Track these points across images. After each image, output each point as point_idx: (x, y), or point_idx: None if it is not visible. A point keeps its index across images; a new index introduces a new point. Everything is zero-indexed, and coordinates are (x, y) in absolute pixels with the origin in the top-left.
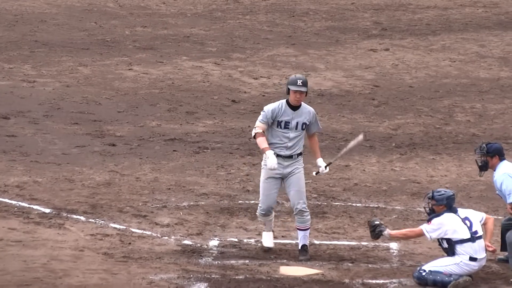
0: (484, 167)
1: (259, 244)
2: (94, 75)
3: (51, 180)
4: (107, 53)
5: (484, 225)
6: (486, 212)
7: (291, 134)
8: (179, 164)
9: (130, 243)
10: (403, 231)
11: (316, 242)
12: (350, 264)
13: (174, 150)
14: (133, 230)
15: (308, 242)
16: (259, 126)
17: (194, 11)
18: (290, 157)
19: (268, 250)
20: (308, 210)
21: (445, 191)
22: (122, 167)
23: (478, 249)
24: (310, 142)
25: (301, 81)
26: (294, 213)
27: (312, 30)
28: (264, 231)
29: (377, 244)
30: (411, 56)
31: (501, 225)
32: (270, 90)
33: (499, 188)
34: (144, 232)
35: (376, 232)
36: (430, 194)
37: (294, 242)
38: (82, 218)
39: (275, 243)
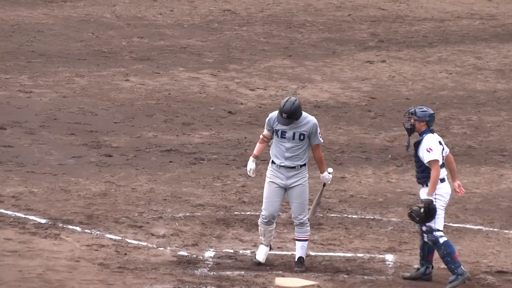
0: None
1: (253, 256)
2: (91, 86)
3: (47, 190)
4: (103, 64)
5: (447, 160)
6: (481, 224)
7: (288, 144)
8: (175, 175)
9: (125, 254)
10: (432, 182)
11: (312, 253)
12: (345, 276)
13: (170, 161)
14: (129, 240)
15: (305, 254)
16: (263, 133)
17: (191, 22)
18: (292, 168)
19: (258, 264)
20: (308, 222)
21: (427, 109)
22: (118, 177)
23: (445, 173)
24: (313, 156)
25: (286, 115)
26: (294, 224)
27: (309, 41)
28: (261, 243)
29: (372, 255)
30: (408, 68)
31: None
32: (266, 101)
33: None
34: (140, 242)
35: (423, 214)
36: (412, 109)
37: (290, 253)
38: (78, 228)
39: (271, 254)
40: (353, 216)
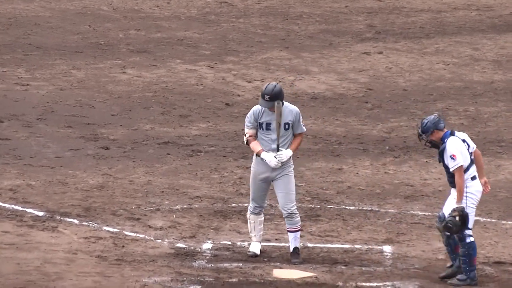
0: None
1: (247, 250)
2: (88, 78)
3: (44, 183)
4: (100, 56)
5: (474, 157)
6: (479, 215)
7: (273, 136)
8: (172, 167)
9: (123, 246)
10: (459, 187)
11: (310, 245)
12: (343, 267)
13: (167, 153)
14: (127, 233)
15: (299, 244)
16: (247, 132)
17: (188, 14)
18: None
19: (253, 256)
20: (297, 212)
21: (427, 118)
22: (116, 170)
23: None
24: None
25: (268, 96)
26: (284, 215)
27: (306, 33)
28: (252, 241)
29: (370, 247)
30: (405, 59)
31: None
32: None
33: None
34: (138, 235)
35: (459, 221)
36: (419, 131)
37: (287, 245)
38: (76, 221)
39: (269, 246)
40: (351, 208)
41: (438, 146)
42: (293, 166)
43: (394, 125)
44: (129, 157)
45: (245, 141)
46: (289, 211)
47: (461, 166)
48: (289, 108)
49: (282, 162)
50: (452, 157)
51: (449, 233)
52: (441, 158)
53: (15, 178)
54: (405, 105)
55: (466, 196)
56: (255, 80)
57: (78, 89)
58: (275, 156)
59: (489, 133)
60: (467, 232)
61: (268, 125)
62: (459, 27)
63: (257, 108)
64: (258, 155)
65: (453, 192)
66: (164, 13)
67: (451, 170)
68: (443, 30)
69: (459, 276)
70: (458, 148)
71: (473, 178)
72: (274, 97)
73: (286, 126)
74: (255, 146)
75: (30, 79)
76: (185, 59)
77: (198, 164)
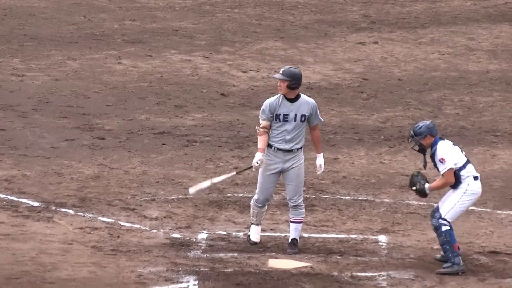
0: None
1: (247, 237)
2: (83, 69)
3: (40, 173)
4: (95, 47)
5: None
6: (474, 205)
7: (289, 127)
8: (168, 158)
9: (118, 236)
10: (439, 184)
11: (305, 235)
12: (338, 257)
13: (163, 144)
14: (122, 223)
15: (298, 236)
16: (262, 124)
17: (183, 4)
18: (289, 151)
19: (253, 244)
20: (303, 204)
21: (423, 122)
22: (111, 160)
23: (474, 168)
24: (311, 136)
25: (282, 69)
26: (289, 206)
27: (301, 23)
28: (253, 224)
29: (365, 237)
30: (400, 49)
31: None
32: (259, 83)
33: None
34: (133, 225)
35: (419, 190)
36: (411, 132)
37: (283, 235)
38: (71, 211)
39: (264, 236)
40: (346, 198)
41: (424, 152)
42: (303, 159)
43: (390, 115)
44: (125, 148)
45: (258, 132)
46: (296, 203)
47: (451, 169)
48: (306, 100)
49: (292, 156)
50: (441, 161)
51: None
52: (433, 162)
53: (11, 168)
54: (401, 95)
55: (464, 192)
56: (250, 70)
57: (73, 79)
58: (257, 162)
59: (485, 122)
60: (443, 221)
61: (285, 116)
62: (454, 17)
63: (274, 99)
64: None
65: (450, 192)
66: (159, 4)
67: (441, 173)
68: (438, 20)
69: (445, 265)
70: (449, 151)
71: (476, 178)
72: (286, 72)
73: (303, 118)
74: (259, 142)
75: (26, 69)
76: (180, 50)
77: (194, 154)
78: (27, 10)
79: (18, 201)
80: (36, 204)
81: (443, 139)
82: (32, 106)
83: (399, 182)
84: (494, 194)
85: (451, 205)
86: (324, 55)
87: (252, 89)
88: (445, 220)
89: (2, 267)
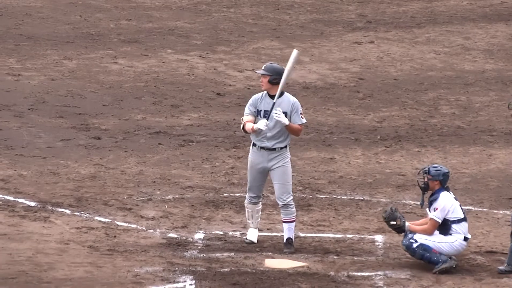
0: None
1: (244, 237)
2: (79, 69)
3: (36, 173)
4: (92, 47)
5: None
6: (471, 205)
7: (270, 124)
8: (164, 157)
9: (115, 236)
10: (421, 229)
11: (301, 234)
12: (335, 257)
13: (159, 143)
14: (118, 223)
15: (293, 235)
16: (245, 118)
17: (179, 4)
18: (273, 149)
19: (250, 243)
20: (293, 203)
21: (441, 167)
22: (107, 160)
23: (468, 229)
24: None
25: (264, 65)
26: (279, 205)
27: (297, 23)
28: (250, 227)
29: (362, 236)
30: (396, 48)
31: None
32: (255, 83)
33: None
34: (129, 225)
35: (400, 226)
36: (426, 169)
37: (279, 235)
38: (68, 211)
39: (260, 236)
40: (343, 197)
41: (425, 192)
42: (289, 157)
43: (386, 114)
44: (121, 147)
45: (242, 128)
46: (285, 202)
47: (437, 222)
48: (288, 98)
49: (276, 155)
50: (435, 209)
51: (383, 212)
52: (429, 205)
53: (7, 168)
54: (397, 94)
55: (449, 243)
56: (246, 70)
57: (69, 79)
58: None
59: (481, 122)
60: (411, 240)
61: (266, 112)
62: (450, 16)
63: (256, 96)
64: (252, 130)
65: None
66: (155, 3)
67: (429, 216)
68: (434, 20)
69: (437, 265)
70: (447, 205)
71: (466, 239)
72: (268, 68)
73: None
74: (248, 124)
75: (22, 69)
76: (176, 49)
77: (190, 154)
78: (23, 9)
79: (14, 201)
80: (32, 204)
81: (448, 191)
82: (28, 106)
83: (396, 182)
84: (491, 194)
85: (430, 238)
86: (320, 55)
87: (248, 88)
88: (414, 239)
89: None
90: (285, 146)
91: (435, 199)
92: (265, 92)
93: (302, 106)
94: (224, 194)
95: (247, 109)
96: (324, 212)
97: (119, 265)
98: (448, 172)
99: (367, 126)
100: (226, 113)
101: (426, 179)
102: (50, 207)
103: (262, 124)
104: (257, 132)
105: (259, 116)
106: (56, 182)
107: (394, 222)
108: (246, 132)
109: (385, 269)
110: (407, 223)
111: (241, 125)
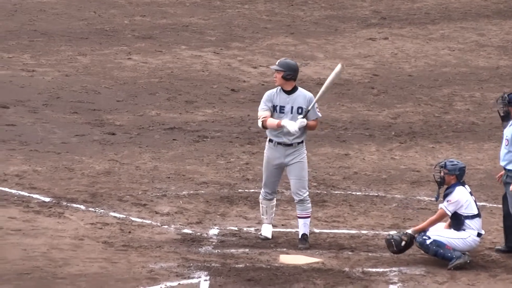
0: (506, 117)
1: (258, 233)
2: (93, 65)
3: (50, 169)
4: (106, 42)
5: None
6: (485, 201)
7: (286, 119)
8: (178, 153)
9: (130, 232)
10: (426, 222)
11: (316, 230)
12: (350, 253)
13: (173, 139)
14: (133, 219)
15: (308, 231)
16: (262, 114)
17: (193, 0)
18: (290, 145)
19: (264, 239)
20: (309, 198)
21: (458, 162)
22: (122, 156)
23: (481, 225)
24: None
25: (278, 61)
26: (295, 201)
27: (311, 19)
28: (264, 223)
29: (377, 232)
30: (410, 45)
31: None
32: (269, 79)
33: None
34: (144, 221)
35: (409, 240)
36: (443, 163)
37: (294, 230)
38: (82, 207)
39: (275, 232)
40: (357, 193)
41: (441, 186)
42: (305, 152)
43: (400, 110)
44: (135, 143)
45: (260, 124)
46: (302, 197)
47: (446, 213)
48: (303, 93)
49: (293, 150)
50: (448, 200)
51: (388, 247)
52: (443, 199)
53: (21, 164)
54: (411, 90)
55: (462, 238)
56: (260, 66)
57: (83, 75)
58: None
59: (495, 118)
60: (424, 237)
61: (281, 108)
62: (465, 12)
63: (270, 92)
64: (278, 126)
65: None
66: None
67: (439, 206)
68: (448, 16)
69: (450, 262)
70: (461, 200)
71: (479, 235)
72: (282, 63)
73: (299, 110)
74: (272, 121)
75: (36, 65)
76: (190, 45)
77: (204, 149)
78: (37, 5)
79: (29, 196)
80: (47, 199)
81: (464, 185)
82: (42, 101)
83: (410, 178)
84: None
85: (443, 234)
86: (334, 51)
87: (263, 84)
88: (427, 236)
89: (13, 263)
90: (302, 141)
91: (450, 193)
92: (279, 87)
93: (316, 102)
94: (239, 190)
95: (264, 104)
96: (338, 208)
97: (134, 260)
98: (464, 167)
99: (381, 122)
100: (241, 109)
101: (442, 173)
102: (64, 203)
103: (293, 127)
104: (279, 129)
105: (275, 111)
106: (70, 178)
107: (404, 243)
108: (266, 128)
109: (400, 265)
110: (409, 231)
111: (260, 121)
